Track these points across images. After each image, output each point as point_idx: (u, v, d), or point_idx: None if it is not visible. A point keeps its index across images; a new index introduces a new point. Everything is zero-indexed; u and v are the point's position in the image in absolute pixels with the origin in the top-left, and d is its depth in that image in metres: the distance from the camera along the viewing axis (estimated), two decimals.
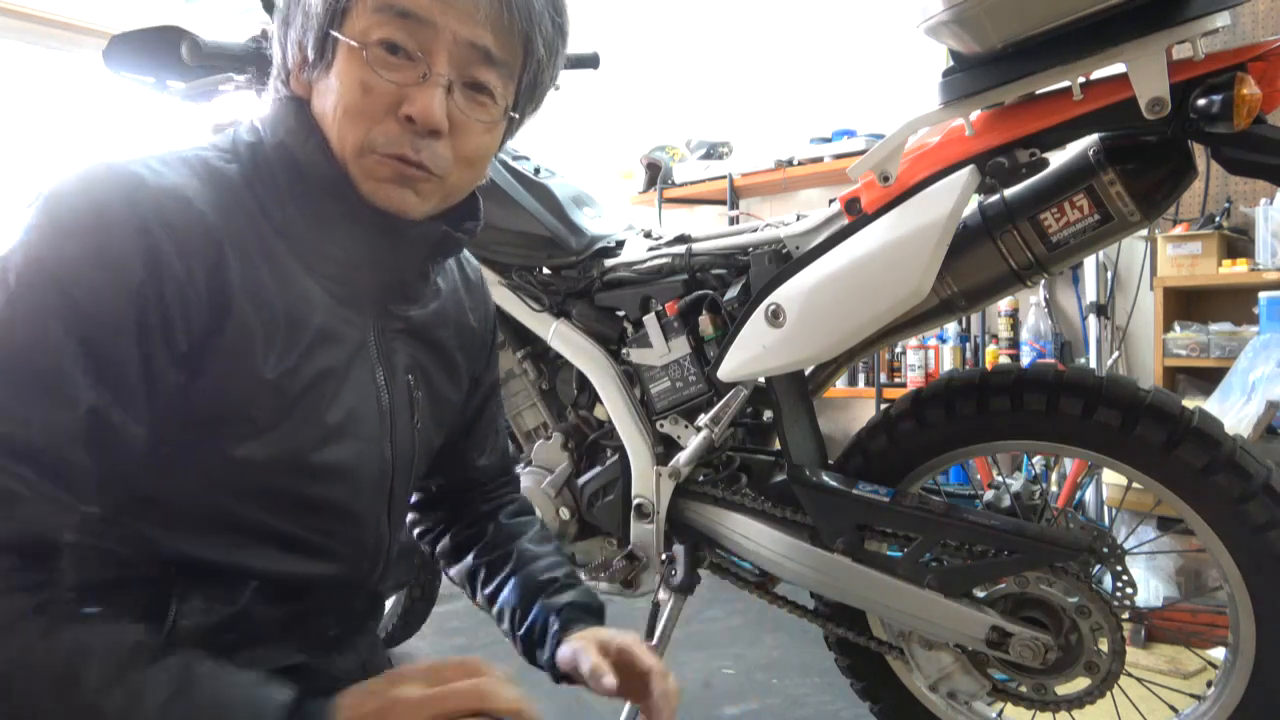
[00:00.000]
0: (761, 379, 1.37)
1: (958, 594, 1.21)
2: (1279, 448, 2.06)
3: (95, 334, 0.63)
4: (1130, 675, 1.22)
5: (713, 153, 3.89)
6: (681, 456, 1.38)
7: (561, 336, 1.54)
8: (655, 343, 1.44)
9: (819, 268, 1.21)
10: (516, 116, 0.83)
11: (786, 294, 1.23)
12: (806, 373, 1.43)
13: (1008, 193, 1.17)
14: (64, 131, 4.04)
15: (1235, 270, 2.65)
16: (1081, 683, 1.20)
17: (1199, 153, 1.10)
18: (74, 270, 0.62)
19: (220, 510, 0.73)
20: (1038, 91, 1.06)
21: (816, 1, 3.80)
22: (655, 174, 3.92)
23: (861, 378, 3.53)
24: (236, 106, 1.39)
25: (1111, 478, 2.27)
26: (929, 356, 3.32)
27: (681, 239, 1.49)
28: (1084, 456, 1.20)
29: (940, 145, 1.12)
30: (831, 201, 1.26)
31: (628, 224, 1.67)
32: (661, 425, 1.46)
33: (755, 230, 1.40)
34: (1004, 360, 3.10)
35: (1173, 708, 1.27)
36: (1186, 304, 2.89)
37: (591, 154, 4.19)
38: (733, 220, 3.63)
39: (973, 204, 1.17)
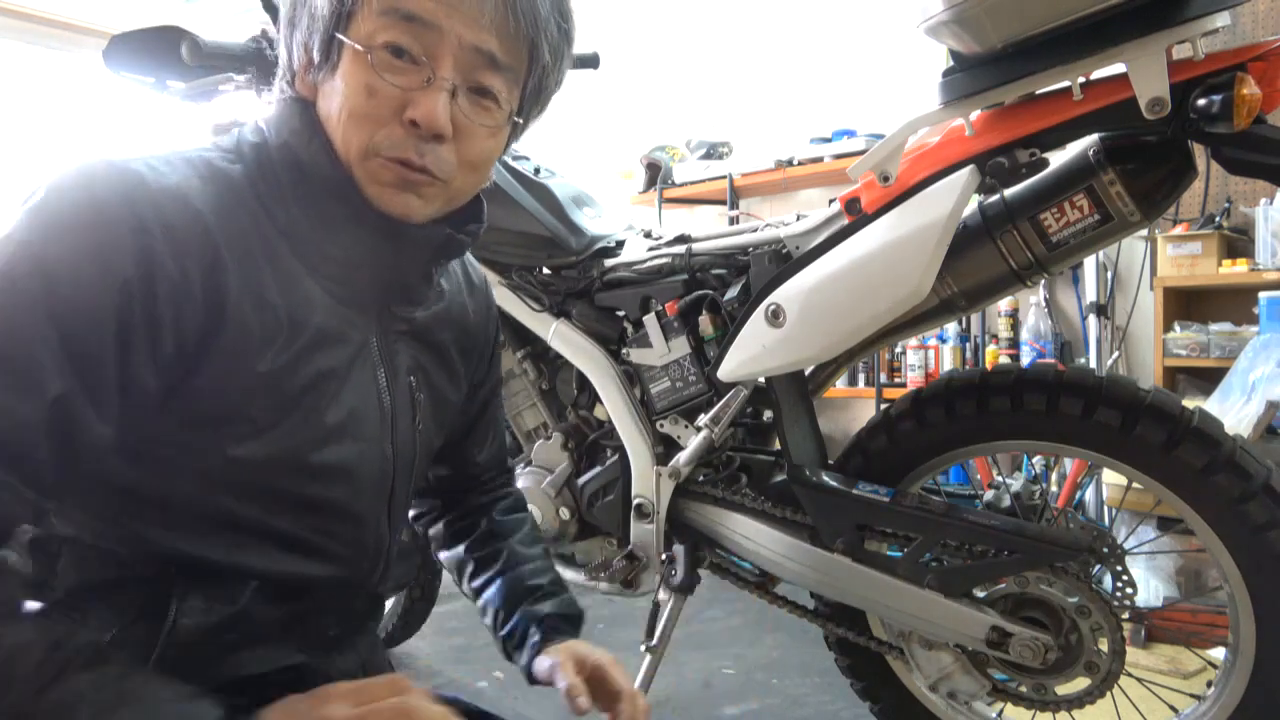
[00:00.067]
0: (761, 379, 1.37)
1: (958, 594, 1.21)
2: (1279, 448, 2.06)
3: (73, 323, 0.62)
4: (1130, 675, 1.22)
5: (713, 153, 3.89)
6: (681, 456, 1.38)
7: (561, 336, 1.54)
8: (655, 343, 1.44)
9: (819, 268, 1.21)
10: (521, 121, 0.83)
11: (786, 294, 1.23)
12: (806, 373, 1.43)
13: (1008, 193, 1.17)
14: (64, 131, 4.04)
15: (1235, 270, 2.65)
16: (1081, 683, 1.20)
17: (1199, 153, 1.10)
18: (62, 262, 0.62)
19: (220, 510, 0.73)
20: (1038, 91, 1.06)
21: (816, 1, 3.80)
22: (655, 174, 3.92)
23: (861, 378, 3.53)
24: (236, 106, 1.39)
25: (1111, 478, 2.27)
26: (929, 356, 3.32)
27: (681, 239, 1.49)
28: (1084, 456, 1.20)
29: (940, 145, 1.12)
30: (831, 201, 1.26)
31: (628, 224, 1.67)
32: (661, 425, 1.46)
33: (755, 230, 1.40)
34: (1004, 360, 3.10)
35: (1173, 708, 1.27)
36: (1186, 304, 2.89)
37: (591, 154, 4.19)
38: (733, 220, 3.63)
39: (973, 204, 1.17)
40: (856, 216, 1.20)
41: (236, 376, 0.70)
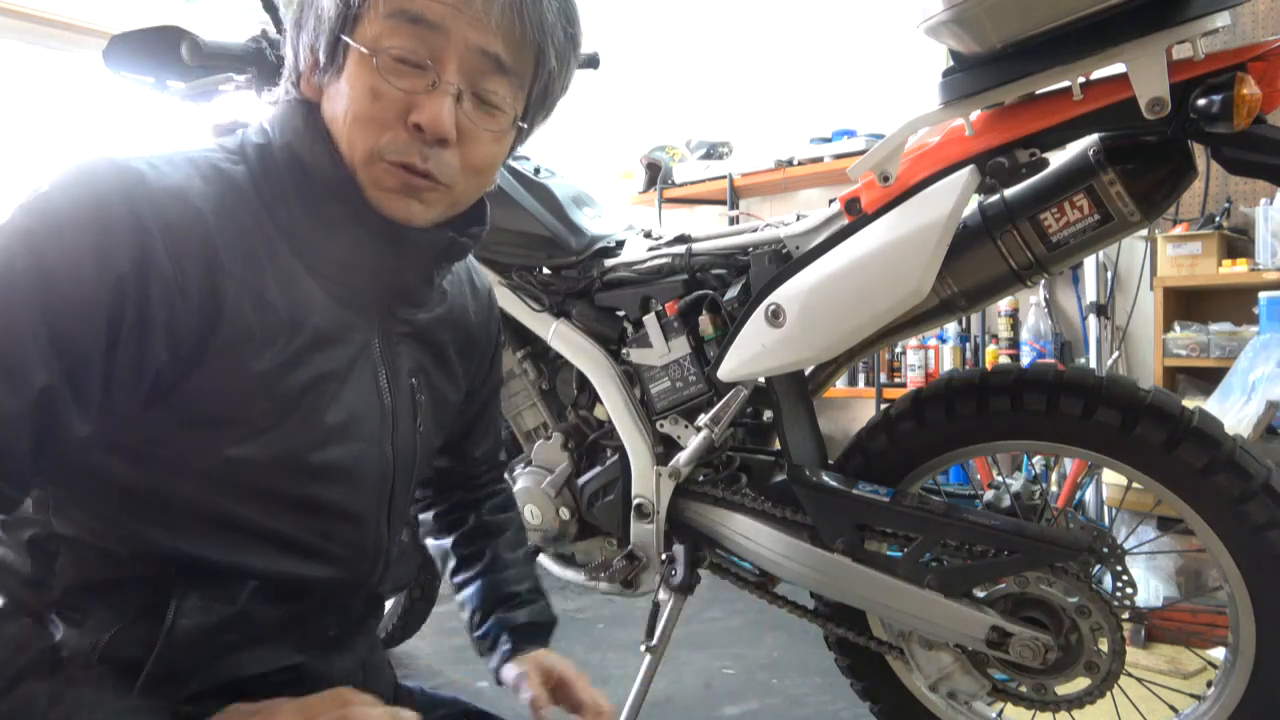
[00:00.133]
0: (761, 379, 1.37)
1: (958, 594, 1.21)
2: (1279, 448, 2.06)
3: (64, 318, 0.62)
4: (1130, 675, 1.22)
5: (713, 153, 3.89)
6: (681, 456, 1.38)
7: (561, 336, 1.54)
8: (655, 343, 1.44)
9: (819, 268, 1.21)
10: (525, 127, 0.83)
11: (786, 294, 1.23)
12: (806, 373, 1.43)
13: (1008, 193, 1.17)
14: (64, 131, 4.04)
15: (1235, 270, 2.65)
16: (1081, 683, 1.20)
17: (1199, 153, 1.10)
18: (59, 257, 0.62)
19: (219, 510, 0.73)
20: (1038, 91, 1.06)
21: (816, 1, 3.80)
22: (655, 174, 3.92)
23: (861, 378, 3.53)
24: (236, 106, 1.39)
25: (1111, 478, 2.27)
26: (929, 356, 3.32)
27: (681, 239, 1.49)
28: (1084, 456, 1.20)
29: (940, 145, 1.12)
30: (831, 201, 1.26)
31: (628, 224, 1.67)
32: (661, 425, 1.46)
33: (755, 230, 1.40)
34: (1004, 360, 3.10)
35: (1173, 708, 1.27)
36: (1186, 304, 2.89)
37: (591, 154, 4.19)
38: (733, 220, 3.63)
39: (973, 204, 1.17)
40: (856, 216, 1.20)
41: (235, 377, 0.70)
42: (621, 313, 1.53)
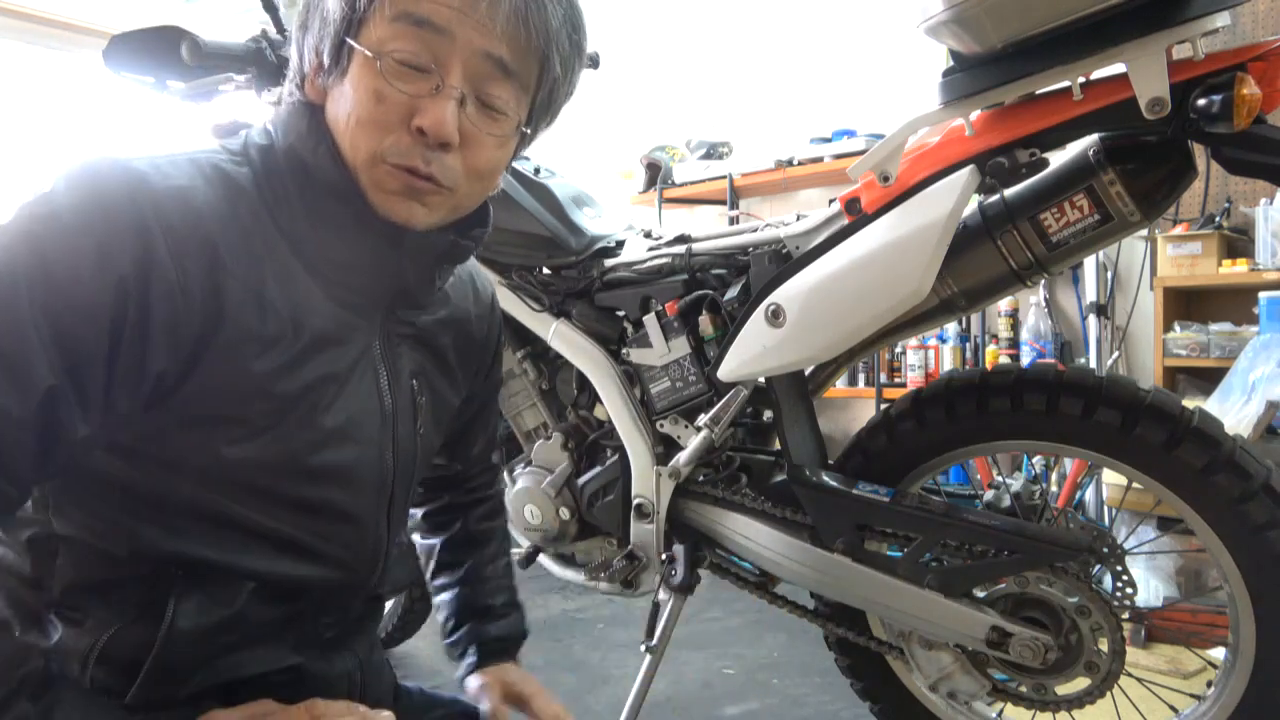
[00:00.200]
0: (761, 379, 1.37)
1: (958, 594, 1.21)
2: (1279, 448, 2.06)
3: (68, 320, 0.62)
4: (1130, 675, 1.22)
5: (713, 153, 3.89)
6: (681, 456, 1.38)
7: (561, 336, 1.54)
8: (655, 343, 1.44)
9: (819, 268, 1.21)
10: (529, 132, 0.82)
11: (786, 294, 1.23)
12: (806, 373, 1.43)
13: (1008, 193, 1.17)
14: (64, 131, 4.04)
15: (1235, 270, 2.65)
16: (1081, 683, 1.20)
17: (1199, 153, 1.10)
18: (62, 258, 0.62)
19: (218, 511, 0.73)
20: (1038, 91, 1.06)
21: (816, 1, 3.80)
22: (655, 174, 3.92)
23: (861, 378, 3.53)
24: (236, 106, 1.39)
25: (1111, 478, 2.27)
26: (929, 356, 3.32)
27: (681, 239, 1.49)
28: (1084, 456, 1.20)
29: (940, 145, 1.12)
30: (831, 201, 1.26)
31: (628, 224, 1.67)
32: (661, 425, 1.46)
33: (755, 230, 1.40)
34: (1004, 360, 3.10)
35: (1173, 708, 1.27)
36: (1186, 304, 2.89)
37: (591, 154, 4.19)
38: (733, 220, 3.63)
39: (973, 204, 1.16)
40: (856, 216, 1.20)
41: (235, 377, 0.70)
42: (621, 313, 1.53)
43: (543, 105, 0.81)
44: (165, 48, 1.26)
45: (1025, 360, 3.05)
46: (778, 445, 1.42)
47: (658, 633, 1.42)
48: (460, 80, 0.73)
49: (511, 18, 0.73)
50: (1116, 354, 3.00)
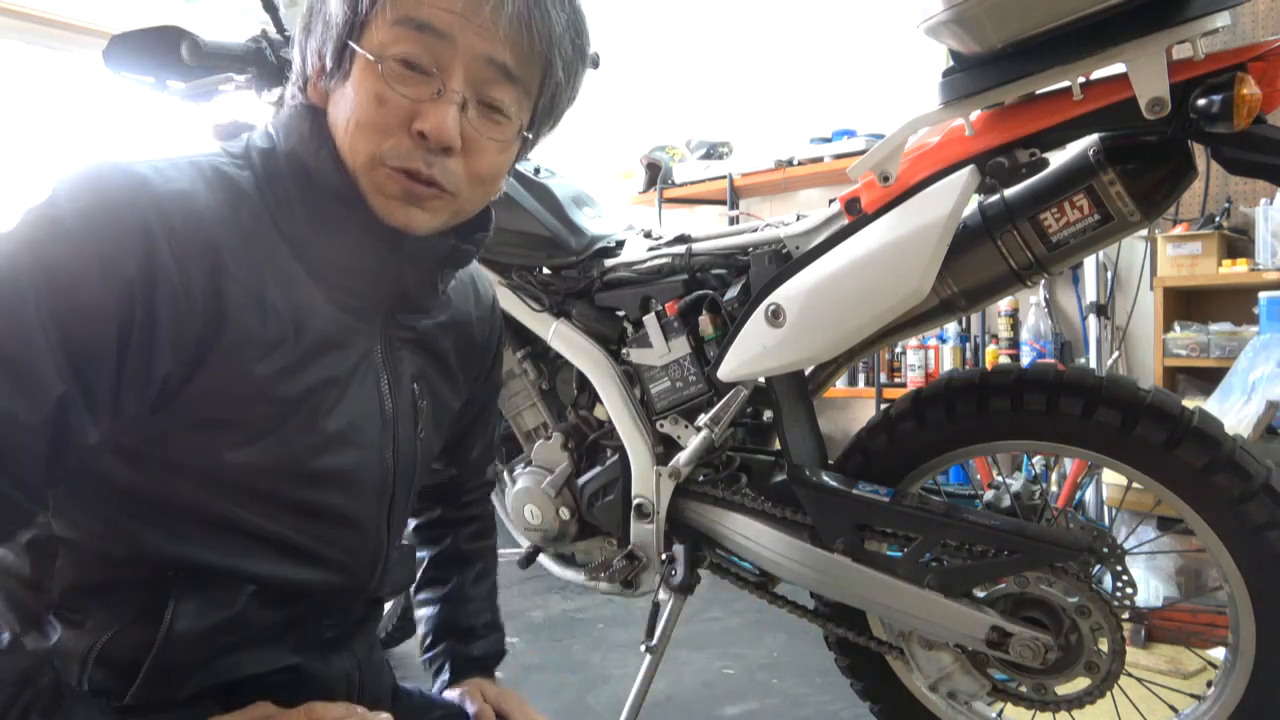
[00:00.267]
0: (761, 379, 1.37)
1: (958, 594, 1.21)
2: (1279, 448, 2.06)
3: (76, 325, 0.62)
4: (1130, 675, 1.22)
5: (713, 153, 3.89)
6: (681, 456, 1.38)
7: (561, 336, 1.54)
8: (655, 343, 1.44)
9: (819, 268, 1.21)
10: (531, 137, 0.82)
11: (786, 294, 1.23)
12: (806, 373, 1.43)
13: (1008, 193, 1.17)
14: (64, 131, 4.04)
15: (1235, 270, 2.65)
16: (1081, 683, 1.20)
17: (1199, 153, 1.10)
18: (68, 263, 0.62)
19: (219, 514, 0.73)
20: (1038, 91, 1.06)
21: (816, 1, 3.80)
22: (655, 174, 3.92)
23: (861, 378, 3.53)
24: (236, 106, 1.39)
25: (1111, 478, 2.27)
26: (929, 356, 3.32)
27: (681, 239, 1.49)
28: (1084, 456, 1.20)
29: (940, 145, 1.12)
30: (831, 201, 1.26)
31: (628, 224, 1.67)
32: (661, 425, 1.46)
33: (755, 230, 1.40)
34: (1004, 360, 3.10)
35: (1173, 708, 1.27)
36: (1186, 304, 2.89)
37: (591, 154, 4.19)
38: (733, 220, 3.63)
39: (973, 204, 1.16)
40: (856, 216, 1.20)
41: (237, 380, 0.70)
42: (621, 313, 1.53)
43: (545, 110, 0.81)
44: (165, 48, 1.26)
45: (1025, 360, 3.05)
46: (778, 445, 1.42)
47: (658, 633, 1.42)
48: (462, 85, 0.73)
49: (514, 22, 0.72)
50: (1116, 354, 3.00)
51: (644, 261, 1.50)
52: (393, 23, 0.72)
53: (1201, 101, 0.95)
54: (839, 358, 1.35)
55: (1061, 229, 1.13)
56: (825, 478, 1.32)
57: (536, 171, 1.61)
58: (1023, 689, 1.25)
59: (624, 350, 1.49)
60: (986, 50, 1.03)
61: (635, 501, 1.45)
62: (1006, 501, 1.29)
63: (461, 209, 0.79)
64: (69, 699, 0.65)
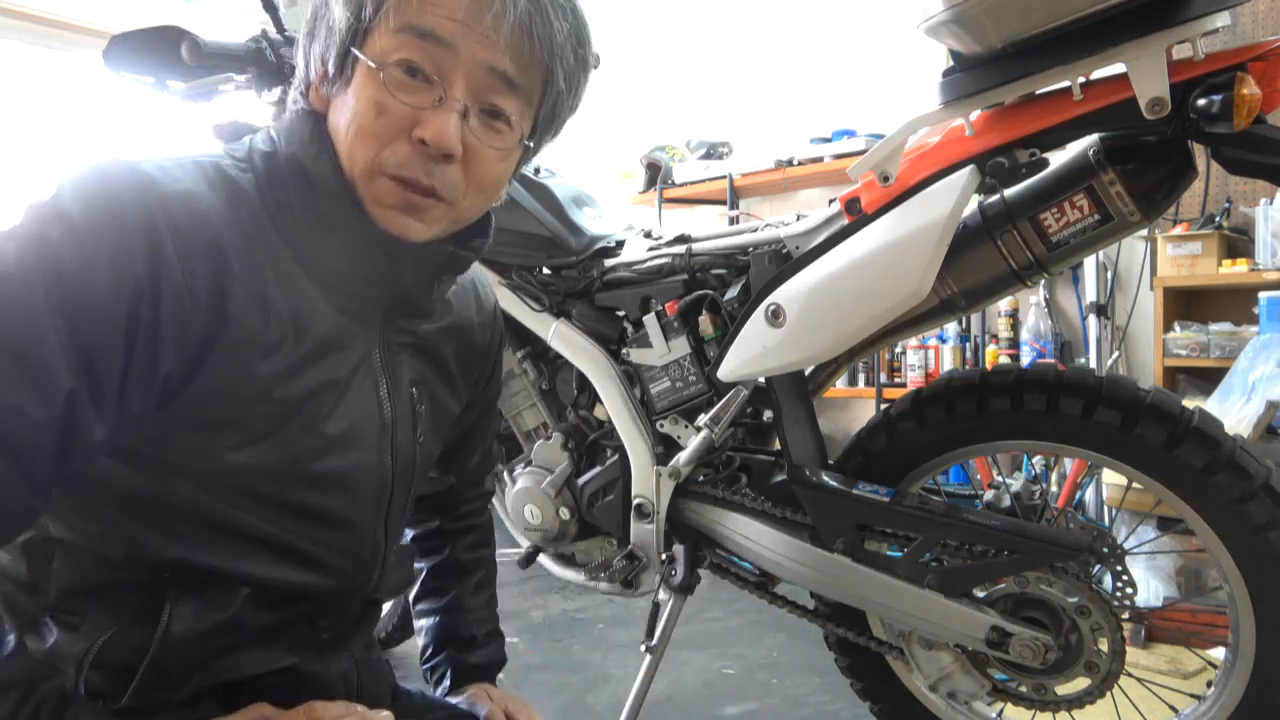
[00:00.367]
0: (761, 379, 1.37)
1: (958, 594, 1.21)
2: (1279, 448, 2.06)
3: (85, 322, 0.62)
4: (1130, 675, 1.22)
5: (713, 153, 3.89)
6: (681, 456, 1.38)
7: (561, 336, 1.54)
8: (655, 343, 1.44)
9: (819, 268, 1.21)
10: (532, 146, 0.82)
11: (786, 294, 1.23)
12: (806, 373, 1.43)
13: (1008, 193, 1.17)
14: (64, 131, 4.04)
15: (1235, 270, 2.65)
16: (1081, 683, 1.20)
17: (1199, 153, 1.10)
18: (76, 260, 0.62)
19: (216, 516, 0.73)
20: (1038, 91, 1.06)
21: (816, 1, 3.80)
22: (655, 174, 3.92)
23: (861, 378, 3.53)
24: (236, 106, 1.39)
25: (1111, 478, 2.27)
26: (929, 356, 3.32)
27: (681, 239, 1.49)
28: (1084, 456, 1.20)
29: (940, 145, 1.12)
30: (831, 201, 1.26)
31: (628, 224, 1.67)
32: (661, 425, 1.46)
33: (755, 230, 1.40)
34: (1004, 360, 3.10)
35: (1173, 708, 1.27)
36: (1186, 304, 2.89)
37: (591, 154, 4.19)
38: (733, 220, 3.63)
39: (973, 204, 1.16)
40: (856, 216, 1.20)
41: (238, 380, 0.70)
42: (621, 313, 1.53)
43: (546, 118, 0.81)
44: (165, 48, 1.26)
45: (1025, 360, 3.05)
46: (778, 445, 1.42)
47: (658, 633, 1.42)
48: (463, 93, 0.73)
49: (516, 31, 0.72)
50: (1116, 354, 3.00)
51: (644, 261, 1.50)
52: (395, 30, 0.71)
53: (1201, 101, 0.95)
54: (839, 358, 1.35)
55: (1061, 229, 1.13)
56: (825, 478, 1.32)
57: (536, 171, 1.61)
58: (1023, 689, 1.25)
59: (624, 350, 1.49)
60: (986, 50, 1.03)
61: (635, 501, 1.45)
62: (1006, 501, 1.29)
63: (460, 217, 0.79)
64: (75, 702, 0.65)
